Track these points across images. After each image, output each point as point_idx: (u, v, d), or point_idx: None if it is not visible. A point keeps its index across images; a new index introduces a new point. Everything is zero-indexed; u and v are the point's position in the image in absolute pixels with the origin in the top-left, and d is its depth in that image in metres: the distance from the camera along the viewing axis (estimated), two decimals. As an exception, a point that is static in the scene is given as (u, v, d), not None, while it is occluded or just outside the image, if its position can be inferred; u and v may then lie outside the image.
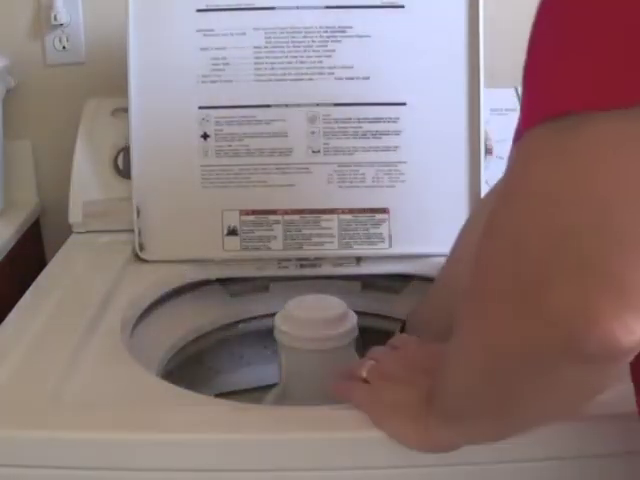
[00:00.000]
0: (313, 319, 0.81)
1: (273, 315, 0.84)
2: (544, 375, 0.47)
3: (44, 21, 1.14)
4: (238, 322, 0.99)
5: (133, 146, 0.97)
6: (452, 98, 0.96)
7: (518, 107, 0.48)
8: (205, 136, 0.97)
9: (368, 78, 0.97)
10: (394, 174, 0.98)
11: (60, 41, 1.15)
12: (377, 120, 0.97)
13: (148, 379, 0.72)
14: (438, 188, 0.97)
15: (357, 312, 0.84)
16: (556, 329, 0.43)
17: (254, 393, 0.98)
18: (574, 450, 0.62)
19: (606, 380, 0.47)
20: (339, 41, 0.96)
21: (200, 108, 0.97)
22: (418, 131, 0.97)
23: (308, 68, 0.97)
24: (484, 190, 0.95)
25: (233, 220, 0.98)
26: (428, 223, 0.97)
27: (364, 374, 0.66)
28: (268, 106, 0.97)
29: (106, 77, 1.11)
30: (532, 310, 0.44)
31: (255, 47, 0.96)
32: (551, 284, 0.42)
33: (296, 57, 0.96)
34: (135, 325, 0.85)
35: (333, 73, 0.97)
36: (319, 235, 0.98)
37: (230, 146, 0.98)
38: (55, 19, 1.12)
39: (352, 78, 0.97)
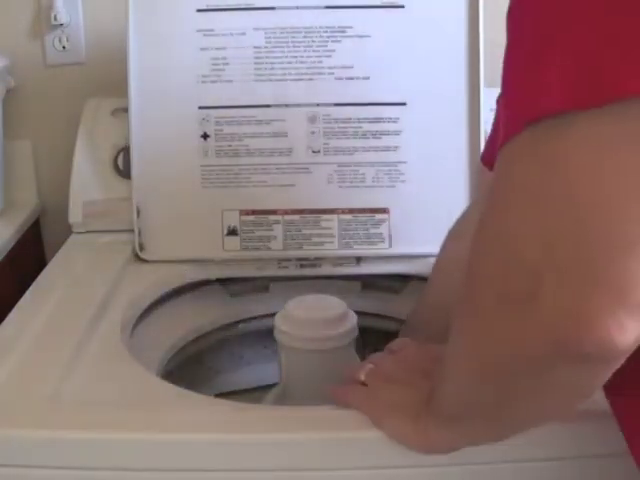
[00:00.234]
0: (313, 319, 0.81)
1: (273, 315, 0.84)
2: (539, 377, 0.47)
3: (44, 21, 1.14)
4: (238, 322, 0.99)
5: (133, 146, 0.97)
6: (452, 98, 0.96)
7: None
8: (205, 136, 0.97)
9: (368, 78, 0.97)
10: (394, 174, 0.97)
11: (60, 41, 1.15)
12: (377, 120, 0.97)
13: (148, 379, 0.72)
14: (438, 188, 0.97)
15: (357, 312, 0.84)
16: (551, 331, 0.43)
17: (254, 393, 0.98)
18: (574, 450, 0.62)
19: (600, 381, 0.47)
20: (339, 41, 0.96)
21: (200, 108, 0.97)
22: (418, 131, 0.97)
23: (308, 68, 0.97)
24: (484, 190, 0.96)
25: (233, 220, 0.98)
26: (428, 223, 0.97)
27: (362, 377, 0.66)
28: (268, 106, 0.97)
29: (106, 77, 1.11)
30: (526, 313, 0.44)
31: (255, 47, 0.96)
32: (543, 287, 0.42)
33: (296, 57, 0.96)
34: (135, 325, 0.86)
35: (333, 73, 0.97)
36: (319, 235, 0.98)
37: (230, 146, 0.98)
38: (55, 19, 1.12)
39: (352, 78, 0.97)
